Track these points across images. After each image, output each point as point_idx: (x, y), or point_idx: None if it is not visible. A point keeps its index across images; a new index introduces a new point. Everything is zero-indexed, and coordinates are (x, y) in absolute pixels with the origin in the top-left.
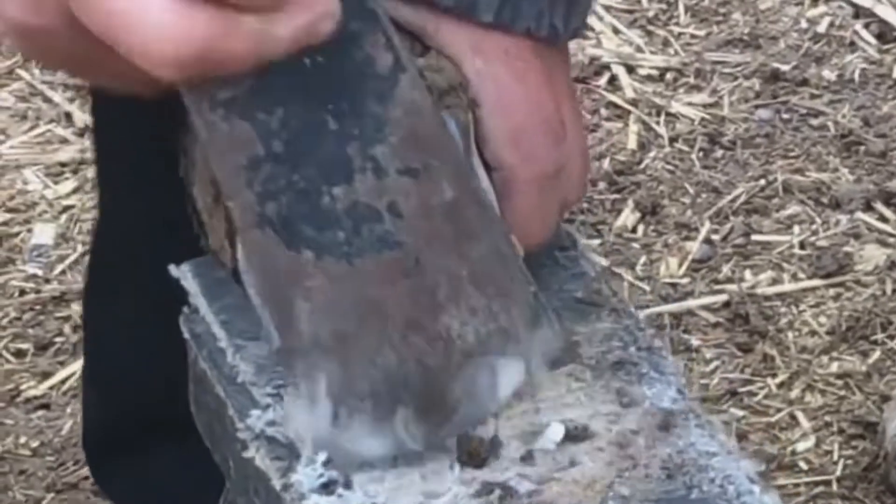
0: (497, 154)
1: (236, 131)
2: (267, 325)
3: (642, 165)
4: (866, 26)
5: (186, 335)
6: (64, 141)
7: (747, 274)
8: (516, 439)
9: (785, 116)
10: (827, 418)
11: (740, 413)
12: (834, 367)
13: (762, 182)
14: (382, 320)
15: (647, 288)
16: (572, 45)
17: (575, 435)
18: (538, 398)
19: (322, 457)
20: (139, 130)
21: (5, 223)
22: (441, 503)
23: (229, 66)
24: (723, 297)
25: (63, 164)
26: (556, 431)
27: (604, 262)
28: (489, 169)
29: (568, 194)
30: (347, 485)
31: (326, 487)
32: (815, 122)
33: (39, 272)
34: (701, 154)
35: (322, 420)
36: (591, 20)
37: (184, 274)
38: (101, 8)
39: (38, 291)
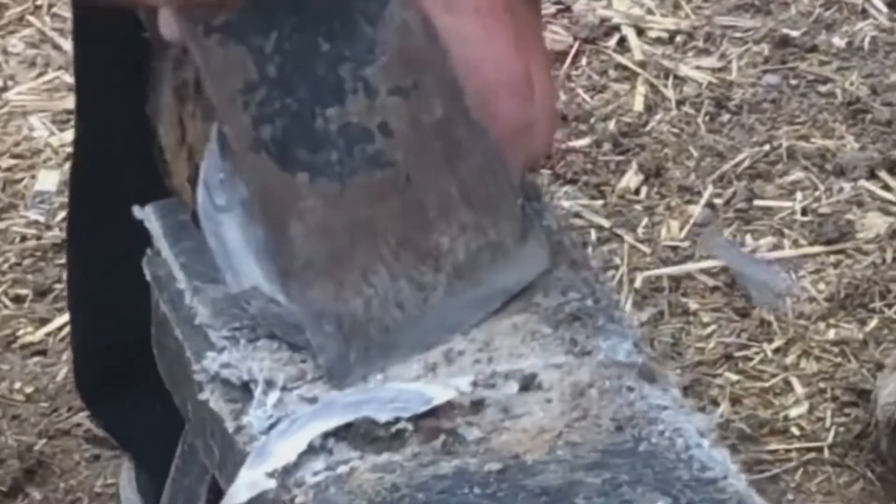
0: None
1: (231, 56)
2: (225, 268)
3: (648, 128)
4: None
5: (149, 277)
6: (71, 88)
7: (748, 239)
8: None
9: (792, 82)
10: (821, 385)
11: (735, 377)
12: (830, 334)
13: (767, 147)
14: (374, 239)
15: (648, 250)
16: (583, 5)
17: (526, 385)
18: (492, 347)
19: (272, 398)
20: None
21: (9, 169)
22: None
23: None
24: (722, 262)
25: (70, 112)
26: (511, 387)
27: (605, 223)
28: None
29: (533, 151)
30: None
31: (276, 428)
32: (822, 88)
33: (41, 219)
34: (707, 118)
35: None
36: None
37: (147, 216)
38: None
39: (38, 238)
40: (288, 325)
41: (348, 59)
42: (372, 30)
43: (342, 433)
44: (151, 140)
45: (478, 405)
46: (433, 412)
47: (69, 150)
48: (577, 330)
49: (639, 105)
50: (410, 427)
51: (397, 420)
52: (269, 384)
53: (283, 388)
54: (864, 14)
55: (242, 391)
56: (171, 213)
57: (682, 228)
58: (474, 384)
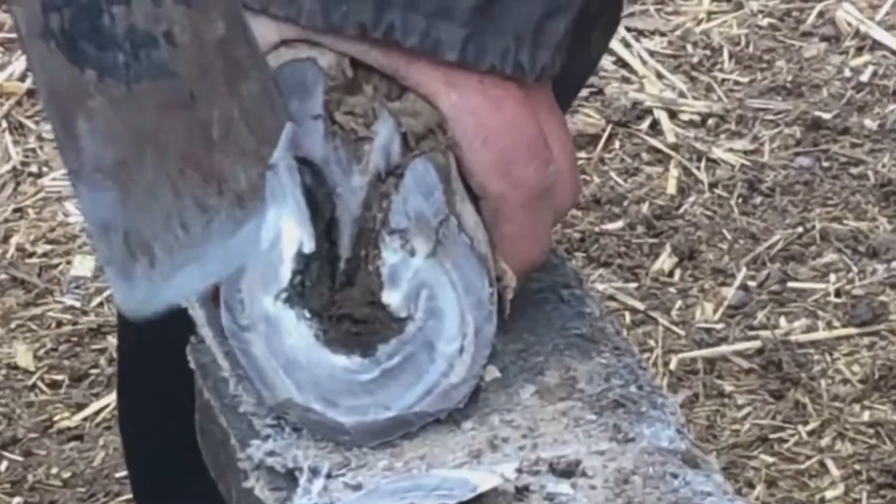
0: (484, 184)
1: None
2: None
3: (681, 210)
4: None
5: (192, 365)
6: None
7: (782, 321)
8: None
9: (825, 164)
10: (856, 467)
11: (770, 459)
12: (865, 415)
13: (800, 229)
14: (160, 151)
15: (682, 333)
16: (615, 88)
17: (570, 472)
18: (536, 433)
19: (318, 486)
20: None
21: (45, 254)
22: None
23: None
24: (757, 344)
25: None
26: (555, 474)
27: (639, 305)
28: (476, 198)
29: (559, 209)
30: None
31: None
32: (854, 170)
33: (77, 304)
34: (740, 200)
35: (107, 250)
36: (635, 63)
37: (191, 303)
38: None
39: (74, 323)
40: (329, 428)
41: None
42: None
43: None
44: None
45: (522, 492)
46: (478, 499)
47: None
48: (620, 416)
49: (672, 188)
50: None
51: None
52: (314, 472)
53: (328, 476)
54: None
55: (287, 479)
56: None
57: (716, 310)
58: (519, 471)
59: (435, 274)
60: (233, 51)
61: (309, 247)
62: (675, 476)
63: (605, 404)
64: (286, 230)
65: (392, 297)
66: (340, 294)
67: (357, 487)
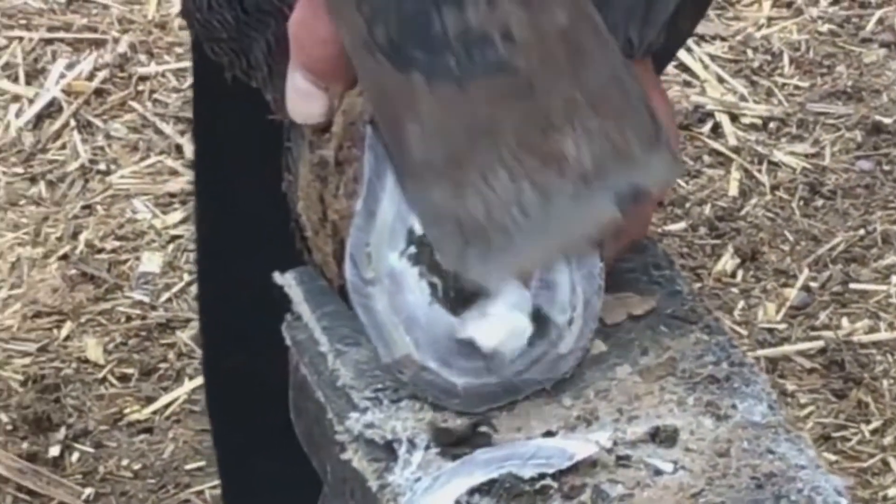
0: None
1: None
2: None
3: (743, 212)
4: None
5: (289, 342)
6: (174, 172)
7: (844, 321)
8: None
9: (885, 168)
10: None
11: (833, 458)
12: None
13: (861, 232)
14: (495, 142)
15: (745, 333)
16: (677, 92)
17: (667, 443)
18: (631, 407)
19: (416, 457)
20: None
21: (114, 251)
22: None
23: None
24: (819, 344)
25: (172, 195)
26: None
27: None
28: None
29: None
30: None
31: (419, 484)
32: None
33: (146, 299)
34: (801, 202)
35: (440, 237)
36: (696, 67)
37: (287, 282)
38: None
39: (143, 318)
40: (441, 390)
41: None
42: None
43: (486, 489)
44: (287, 217)
45: (620, 461)
46: (575, 468)
47: (172, 232)
48: (713, 392)
49: (733, 190)
50: (555, 484)
51: (542, 476)
52: (413, 443)
53: (427, 448)
54: None
55: (386, 450)
56: (311, 278)
57: (778, 311)
58: (615, 441)
59: None
60: (576, 39)
61: None
62: (768, 449)
63: (698, 381)
64: None
65: None
66: None
67: (455, 457)
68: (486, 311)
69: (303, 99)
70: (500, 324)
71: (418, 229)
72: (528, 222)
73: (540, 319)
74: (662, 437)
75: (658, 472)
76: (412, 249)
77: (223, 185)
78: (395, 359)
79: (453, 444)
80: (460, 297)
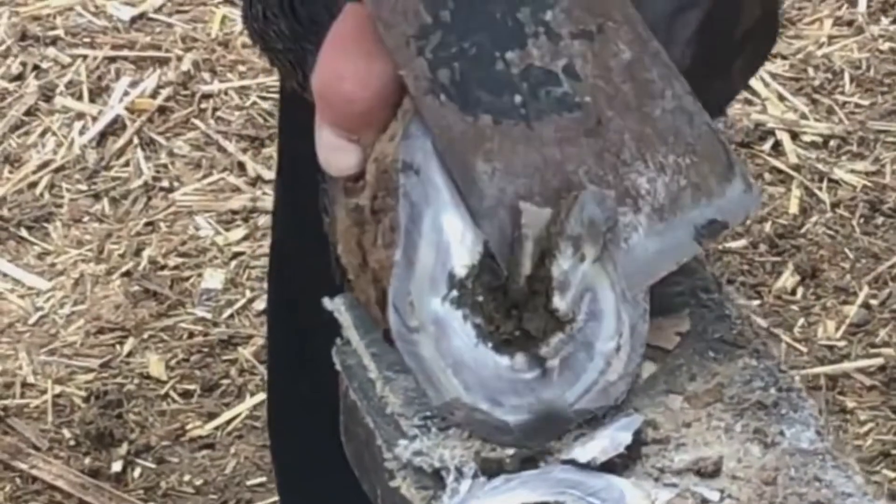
0: None
1: (402, 1)
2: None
3: (803, 230)
4: None
5: (338, 366)
6: (236, 189)
7: None
8: (657, 471)
9: None
10: None
11: (892, 474)
12: None
13: None
14: (566, 179)
15: (805, 349)
16: (738, 109)
17: (714, 472)
18: (679, 435)
19: (465, 486)
20: None
21: (177, 267)
22: None
23: None
24: (879, 361)
25: (234, 212)
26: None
27: (763, 322)
28: None
29: None
30: None
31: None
32: None
33: (208, 315)
34: (862, 220)
35: None
36: (757, 86)
37: (337, 306)
38: None
39: (206, 334)
40: (494, 428)
41: (526, 3)
42: None
43: None
44: (331, 258)
45: (668, 487)
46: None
47: (234, 249)
48: (761, 419)
49: (794, 207)
50: None
51: None
52: (461, 472)
53: (474, 476)
54: None
55: (434, 478)
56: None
57: (838, 328)
58: (661, 469)
59: (599, 277)
60: (641, 73)
61: (474, 244)
62: (815, 477)
63: (746, 407)
64: (448, 230)
65: (561, 303)
66: (506, 296)
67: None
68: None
69: (334, 153)
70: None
71: (459, 272)
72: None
73: (587, 348)
74: (710, 465)
75: (705, 501)
76: (454, 293)
77: (301, 204)
78: (444, 402)
79: (500, 474)
80: (505, 337)
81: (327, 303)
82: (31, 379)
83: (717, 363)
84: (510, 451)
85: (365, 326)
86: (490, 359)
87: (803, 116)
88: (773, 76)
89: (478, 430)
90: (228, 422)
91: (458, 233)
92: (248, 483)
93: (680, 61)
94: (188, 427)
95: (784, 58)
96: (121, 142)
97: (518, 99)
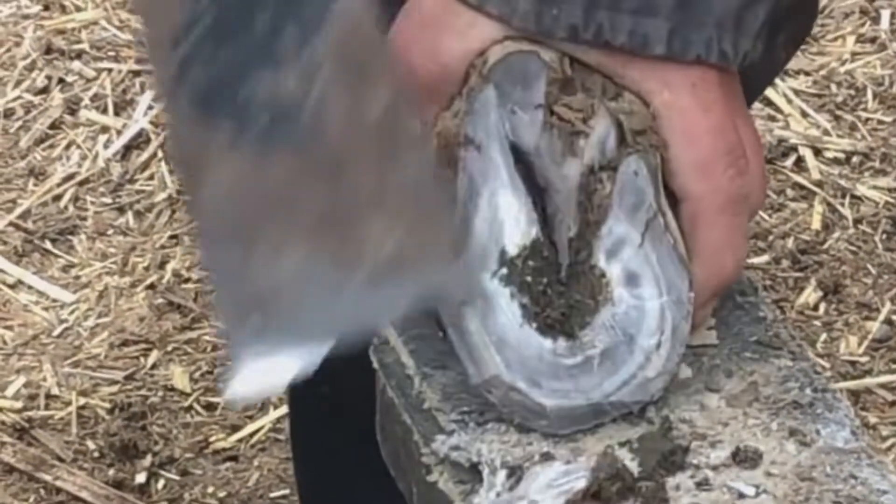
0: (685, 185)
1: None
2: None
3: (826, 245)
4: None
5: (376, 365)
6: None
7: None
8: (692, 468)
9: None
10: None
11: None
12: None
13: None
14: (295, 213)
15: (827, 365)
16: (761, 125)
17: (751, 467)
18: (715, 432)
19: (501, 479)
20: None
21: (200, 280)
22: None
23: None
24: None
25: None
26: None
27: None
28: (676, 202)
29: (752, 209)
30: None
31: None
32: None
33: None
34: (884, 236)
35: (222, 301)
36: (780, 102)
37: None
38: None
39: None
40: (529, 410)
41: (293, 25)
42: (324, 4)
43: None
44: None
45: (701, 486)
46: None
47: None
48: (797, 418)
49: (816, 223)
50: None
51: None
52: (498, 466)
53: (512, 469)
54: None
55: (471, 473)
56: None
57: (860, 344)
58: (697, 465)
59: (640, 265)
60: (392, 127)
61: (528, 225)
62: (852, 475)
63: (782, 406)
64: (504, 208)
65: (612, 270)
66: (554, 277)
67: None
68: None
69: None
70: None
71: (510, 251)
72: (318, 299)
73: (629, 342)
74: (743, 457)
75: (741, 496)
76: (504, 271)
77: None
78: (484, 379)
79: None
80: (549, 319)
81: None
82: (55, 391)
83: (753, 363)
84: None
85: (402, 324)
86: (534, 340)
87: (826, 133)
88: (796, 92)
89: (513, 410)
90: (252, 434)
91: (513, 212)
92: (272, 495)
93: (751, 51)
94: (212, 439)
95: (807, 74)
96: (145, 155)
97: (262, 120)
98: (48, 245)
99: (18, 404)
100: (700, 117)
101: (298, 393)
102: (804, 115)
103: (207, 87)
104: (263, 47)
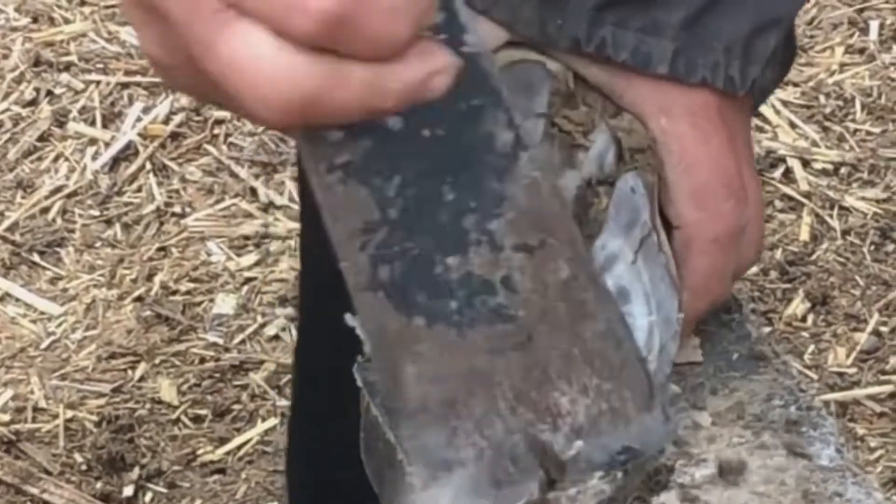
0: (680, 211)
1: (352, 195)
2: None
3: (814, 257)
4: None
5: (360, 383)
6: (248, 215)
7: None
8: (677, 487)
9: None
10: None
11: None
12: None
13: None
14: (491, 390)
15: (815, 376)
16: None
17: (735, 482)
18: (701, 450)
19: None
20: None
21: (188, 293)
22: None
23: (337, 116)
24: (889, 388)
25: (246, 238)
26: (720, 485)
27: None
28: (670, 228)
29: (744, 258)
30: None
31: None
32: None
33: (220, 341)
34: (872, 248)
35: (423, 483)
36: (768, 113)
37: (357, 323)
38: (216, 53)
39: (217, 360)
40: None
41: (473, 210)
42: (500, 185)
43: None
44: None
45: (686, 501)
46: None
47: (246, 274)
48: (781, 436)
49: (804, 234)
50: None
51: None
52: None
53: None
54: None
55: None
56: None
57: (848, 355)
58: (682, 484)
59: (631, 282)
60: (576, 293)
61: None
62: (837, 493)
63: (765, 424)
64: None
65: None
66: None
67: None
68: None
69: None
70: None
71: None
72: (518, 473)
73: None
74: (728, 474)
75: None
76: None
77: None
78: None
79: None
80: None
81: (349, 319)
82: (42, 403)
83: (737, 381)
84: None
85: None
86: None
87: (814, 144)
88: (785, 103)
89: None
90: (240, 447)
91: None
92: None
93: (760, 77)
94: (199, 452)
95: (795, 85)
96: (133, 167)
97: (454, 304)
98: (36, 258)
99: (6, 417)
100: (698, 146)
101: (300, 405)
102: (792, 126)
103: (402, 279)
104: (449, 236)
